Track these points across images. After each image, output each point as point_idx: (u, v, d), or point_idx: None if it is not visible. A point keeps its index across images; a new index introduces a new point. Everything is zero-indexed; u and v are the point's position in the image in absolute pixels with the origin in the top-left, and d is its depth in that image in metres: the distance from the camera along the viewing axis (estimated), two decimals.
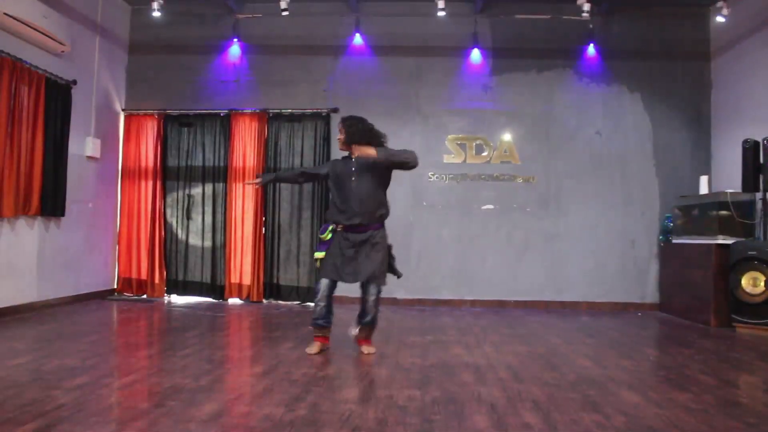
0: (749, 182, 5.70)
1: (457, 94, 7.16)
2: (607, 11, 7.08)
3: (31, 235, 5.69)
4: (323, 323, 4.14)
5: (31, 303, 5.67)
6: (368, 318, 4.16)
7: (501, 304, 6.96)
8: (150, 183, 7.22)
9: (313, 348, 4.14)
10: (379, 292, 4.13)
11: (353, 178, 4.11)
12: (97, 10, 6.68)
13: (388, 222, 4.27)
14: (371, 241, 4.08)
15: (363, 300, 4.15)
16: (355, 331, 4.25)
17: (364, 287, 4.12)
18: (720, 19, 6.51)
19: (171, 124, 7.26)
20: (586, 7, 6.44)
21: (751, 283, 5.38)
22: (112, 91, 7.09)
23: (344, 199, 4.12)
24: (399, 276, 4.22)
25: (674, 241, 6.52)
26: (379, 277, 4.10)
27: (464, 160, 7.10)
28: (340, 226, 4.11)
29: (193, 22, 7.35)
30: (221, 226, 7.15)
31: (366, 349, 4.21)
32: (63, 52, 5.94)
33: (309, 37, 7.24)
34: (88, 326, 5.13)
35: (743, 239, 5.66)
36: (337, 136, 4.38)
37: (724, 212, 5.77)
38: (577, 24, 6.95)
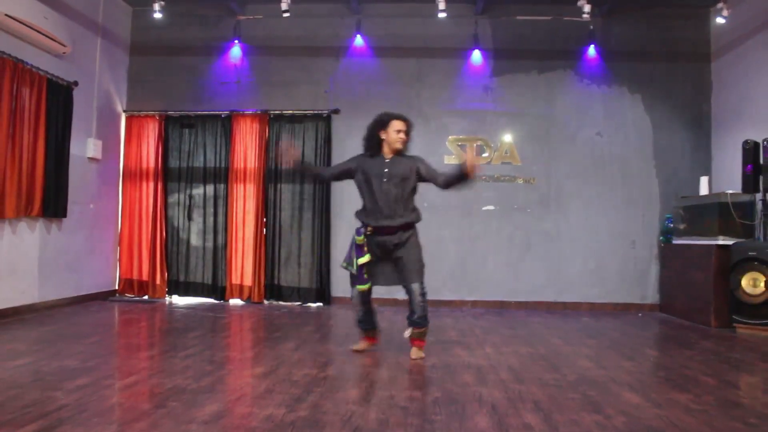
0: (749, 183, 5.72)
1: (457, 95, 7.17)
2: (608, 12, 7.09)
3: (32, 236, 5.70)
4: (365, 326, 4.29)
5: (32, 304, 5.68)
6: (415, 316, 4.04)
7: (502, 305, 6.96)
8: (151, 184, 7.23)
9: (360, 345, 4.28)
10: (422, 289, 4.04)
11: (384, 179, 3.99)
12: (98, 12, 6.69)
13: None
14: (402, 242, 4.00)
15: (409, 300, 4.09)
16: (407, 332, 4.14)
17: (407, 287, 4.07)
18: (720, 20, 6.52)
19: (172, 126, 7.27)
20: (587, 8, 6.45)
21: (751, 283, 5.38)
22: (114, 92, 7.11)
23: (374, 200, 4.00)
24: None
25: (675, 241, 6.53)
26: (417, 275, 4.03)
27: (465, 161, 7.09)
28: (370, 228, 4.00)
29: (194, 24, 7.37)
30: (222, 227, 7.16)
31: (414, 353, 4.09)
32: (64, 53, 5.95)
33: (310, 38, 7.25)
34: (90, 327, 5.14)
35: (743, 240, 5.66)
36: (400, 135, 4.04)
37: (724, 213, 5.77)
38: (578, 25, 6.96)
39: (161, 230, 7.20)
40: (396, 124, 4.05)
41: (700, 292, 5.89)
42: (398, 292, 6.86)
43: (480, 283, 6.98)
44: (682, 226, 6.41)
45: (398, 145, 4.04)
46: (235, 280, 7.10)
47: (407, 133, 4.09)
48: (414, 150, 7.34)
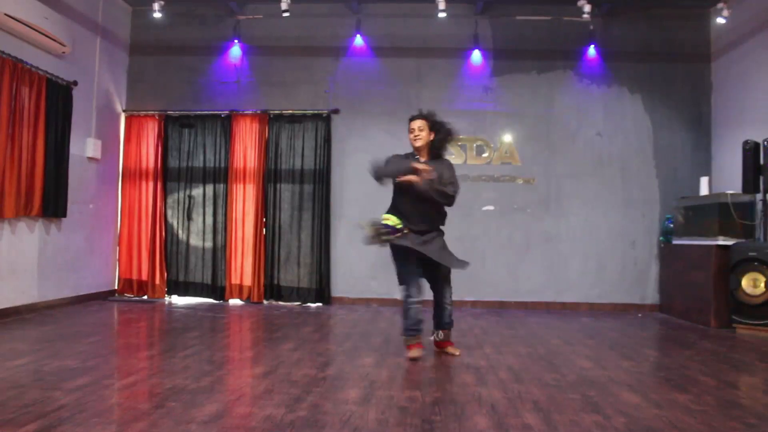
0: (749, 183, 5.71)
1: (457, 95, 7.17)
2: (608, 13, 7.09)
3: (32, 236, 5.70)
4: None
5: (32, 304, 5.68)
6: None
7: (501, 305, 6.96)
8: (151, 184, 7.23)
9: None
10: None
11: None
12: (97, 11, 6.69)
13: None
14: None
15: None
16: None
17: (437, 288, 4.27)
18: (720, 20, 6.52)
19: (172, 125, 7.27)
20: (587, 8, 6.45)
21: (751, 284, 5.38)
22: (113, 92, 7.11)
23: (404, 203, 4.05)
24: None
25: (674, 242, 6.52)
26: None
27: (465, 162, 7.09)
28: (407, 228, 4.02)
29: (194, 24, 7.37)
30: (222, 227, 7.16)
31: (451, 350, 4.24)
32: (64, 53, 5.95)
33: (310, 38, 7.25)
34: (89, 327, 5.14)
35: (743, 240, 5.66)
36: (417, 132, 4.10)
37: (724, 213, 5.76)
38: (578, 25, 6.96)
39: (161, 230, 7.20)
40: (409, 126, 4.21)
41: (699, 292, 5.89)
42: (397, 293, 6.92)
43: (479, 283, 6.97)
44: (682, 227, 6.40)
45: (414, 144, 4.17)
46: (235, 280, 7.09)
47: (421, 129, 4.12)
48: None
